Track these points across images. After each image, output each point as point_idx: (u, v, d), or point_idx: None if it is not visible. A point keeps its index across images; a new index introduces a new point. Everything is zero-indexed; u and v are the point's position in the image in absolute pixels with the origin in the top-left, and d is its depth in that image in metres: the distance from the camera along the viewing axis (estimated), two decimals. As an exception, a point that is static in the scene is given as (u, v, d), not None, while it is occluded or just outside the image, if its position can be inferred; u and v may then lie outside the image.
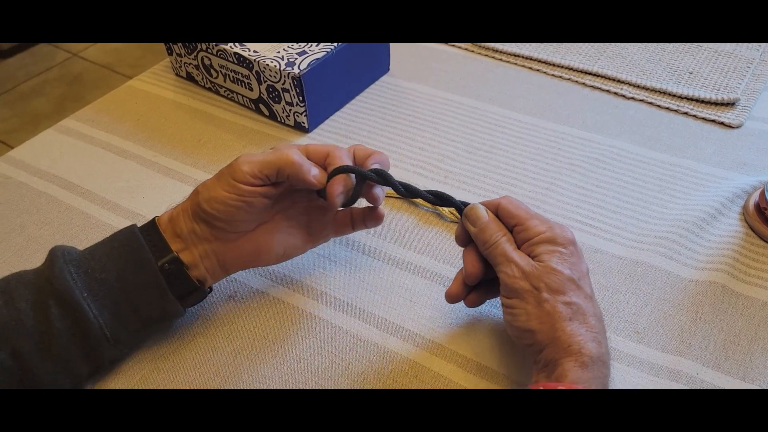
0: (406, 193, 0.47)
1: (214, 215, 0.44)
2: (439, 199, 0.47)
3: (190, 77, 0.76)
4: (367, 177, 0.46)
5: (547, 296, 0.40)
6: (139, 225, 0.46)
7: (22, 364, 0.41)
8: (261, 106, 0.70)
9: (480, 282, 0.46)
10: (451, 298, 0.47)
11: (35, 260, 0.55)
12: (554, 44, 0.78)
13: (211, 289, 0.49)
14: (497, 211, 0.45)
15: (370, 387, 0.46)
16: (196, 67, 0.73)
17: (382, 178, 0.46)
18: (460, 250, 0.55)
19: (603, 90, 0.72)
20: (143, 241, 0.45)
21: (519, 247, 0.43)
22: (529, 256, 0.43)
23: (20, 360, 0.41)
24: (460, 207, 0.47)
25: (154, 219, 0.47)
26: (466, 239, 0.47)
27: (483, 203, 0.46)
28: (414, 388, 0.46)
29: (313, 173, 0.45)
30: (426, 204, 0.59)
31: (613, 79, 0.73)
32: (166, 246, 0.45)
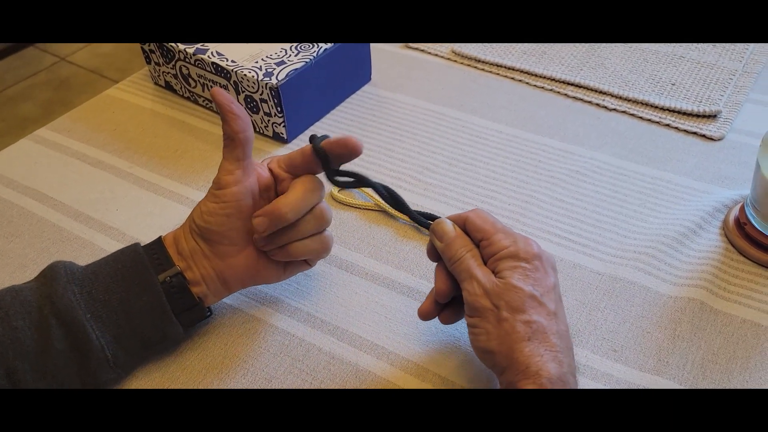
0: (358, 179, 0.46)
1: (208, 228, 0.45)
2: (392, 198, 0.47)
3: (168, 86, 0.75)
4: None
5: (506, 315, 0.39)
6: (134, 241, 0.47)
7: (14, 383, 0.40)
8: (239, 116, 0.69)
9: (454, 298, 0.45)
10: (423, 315, 0.46)
11: (3, 274, 0.54)
12: (536, 54, 0.78)
13: (211, 312, 0.49)
14: (464, 225, 0.44)
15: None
16: (174, 76, 0.72)
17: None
18: (436, 265, 0.54)
19: (585, 101, 0.72)
20: (147, 262, 0.44)
21: (486, 263, 0.42)
22: (493, 272, 0.41)
23: (13, 379, 0.40)
24: (422, 221, 0.47)
25: (159, 237, 0.47)
26: (436, 255, 0.46)
27: (451, 217, 0.45)
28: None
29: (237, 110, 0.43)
30: (404, 217, 0.58)
31: (596, 90, 0.72)
32: (169, 261, 0.45)
